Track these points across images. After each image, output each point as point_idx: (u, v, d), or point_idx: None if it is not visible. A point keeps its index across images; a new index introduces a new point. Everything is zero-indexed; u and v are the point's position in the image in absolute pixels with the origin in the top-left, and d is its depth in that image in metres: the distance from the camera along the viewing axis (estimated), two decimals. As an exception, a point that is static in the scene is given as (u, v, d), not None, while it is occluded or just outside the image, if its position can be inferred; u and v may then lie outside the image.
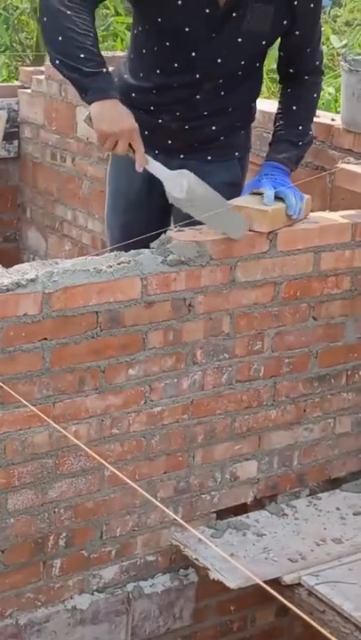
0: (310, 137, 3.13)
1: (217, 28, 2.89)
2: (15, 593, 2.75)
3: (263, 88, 3.94)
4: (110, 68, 2.80)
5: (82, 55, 2.68)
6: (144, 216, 3.18)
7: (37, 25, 10.08)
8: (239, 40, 2.91)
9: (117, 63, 4.60)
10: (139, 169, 2.75)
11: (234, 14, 2.87)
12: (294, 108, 3.08)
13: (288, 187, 2.89)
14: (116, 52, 5.87)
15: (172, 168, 2.94)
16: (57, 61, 2.74)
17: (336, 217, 3.07)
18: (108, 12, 9.41)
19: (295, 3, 2.89)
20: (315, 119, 3.55)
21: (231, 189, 3.03)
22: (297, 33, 2.97)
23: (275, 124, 3.11)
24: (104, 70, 2.71)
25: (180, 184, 2.72)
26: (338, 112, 3.74)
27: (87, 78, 2.70)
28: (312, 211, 3.08)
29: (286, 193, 2.87)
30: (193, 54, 2.93)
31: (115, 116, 2.69)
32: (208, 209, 2.70)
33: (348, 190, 3.24)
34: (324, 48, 9.43)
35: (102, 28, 9.32)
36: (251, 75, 3.06)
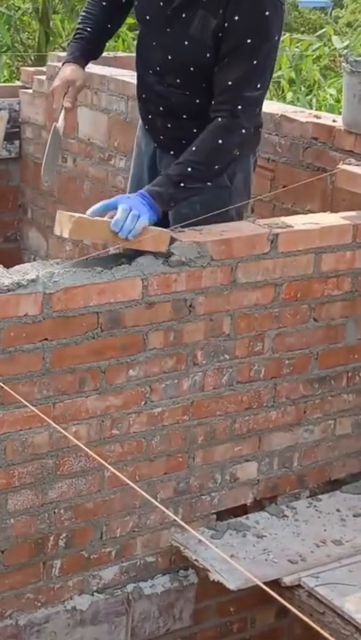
0: (202, 185, 2.84)
1: (169, 24, 2.92)
2: (15, 593, 2.75)
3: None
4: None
5: (78, 27, 3.18)
6: None
7: (39, 25, 10.09)
8: (185, 43, 2.89)
9: (119, 64, 4.62)
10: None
11: (183, 15, 2.88)
12: (194, 148, 2.82)
13: (131, 206, 2.65)
14: (117, 53, 5.88)
15: (164, 163, 3.14)
16: None
17: (337, 218, 3.07)
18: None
19: (226, 25, 2.77)
20: (317, 120, 3.57)
21: (222, 192, 3.01)
22: (225, 60, 2.81)
23: None
24: (71, 40, 3.16)
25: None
26: (340, 113, 3.74)
27: (70, 44, 3.21)
28: (313, 212, 3.08)
29: (121, 209, 2.64)
30: (153, 43, 3.00)
31: (62, 78, 3.09)
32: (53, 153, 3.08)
33: (349, 191, 3.24)
34: (325, 49, 9.35)
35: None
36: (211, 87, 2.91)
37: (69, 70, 3.10)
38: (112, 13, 3.19)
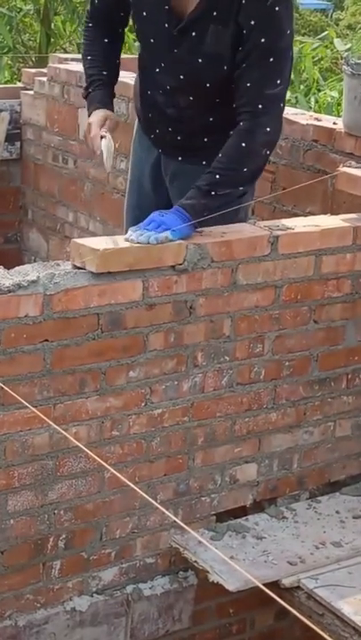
0: (234, 191, 2.85)
1: (176, 45, 2.90)
2: (14, 594, 2.75)
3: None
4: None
5: (85, 84, 3.19)
6: (153, 202, 3.20)
7: (40, 26, 10.10)
8: (200, 61, 2.88)
9: (124, 67, 4.63)
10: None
11: (193, 34, 2.87)
12: (220, 155, 2.84)
13: (161, 222, 2.69)
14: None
15: (170, 169, 3.20)
16: None
17: (337, 220, 3.07)
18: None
19: (244, 32, 2.78)
20: (318, 122, 3.57)
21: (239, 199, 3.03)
22: (243, 65, 2.81)
23: None
24: (90, 90, 3.14)
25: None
26: (340, 116, 3.74)
27: (85, 98, 3.19)
28: (313, 214, 3.08)
29: (148, 220, 2.71)
30: (162, 64, 2.98)
31: (92, 125, 3.04)
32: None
33: (349, 194, 3.24)
34: (327, 52, 9.36)
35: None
36: (230, 97, 2.90)
37: (102, 112, 3.06)
38: (116, 47, 3.19)
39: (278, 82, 2.83)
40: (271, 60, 2.80)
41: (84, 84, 3.18)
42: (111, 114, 3.07)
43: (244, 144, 2.83)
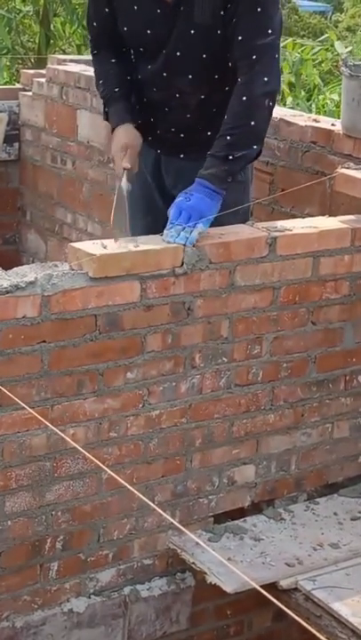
0: (249, 150, 2.86)
1: (172, 22, 2.93)
2: (12, 596, 2.75)
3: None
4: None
5: (100, 97, 3.23)
6: (156, 218, 3.19)
7: (40, 28, 10.11)
8: (192, 32, 2.92)
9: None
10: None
11: (182, 8, 2.90)
12: (226, 117, 2.86)
13: (191, 212, 2.73)
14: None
15: (172, 168, 3.20)
16: None
17: (335, 222, 3.07)
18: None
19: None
20: (316, 124, 3.57)
21: (237, 186, 3.04)
22: (233, 21, 2.85)
23: None
24: (107, 109, 3.16)
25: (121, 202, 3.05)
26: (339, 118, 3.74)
27: (105, 114, 3.21)
28: (311, 215, 3.08)
29: (176, 225, 2.73)
30: (163, 51, 2.99)
31: (112, 143, 3.15)
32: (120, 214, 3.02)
33: (347, 195, 3.24)
34: (328, 55, 9.36)
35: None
36: (225, 72, 2.95)
37: (123, 133, 3.08)
38: (124, 65, 3.16)
39: (270, 31, 2.86)
40: (259, 9, 2.83)
41: (102, 101, 3.20)
42: (131, 133, 3.07)
43: (245, 97, 2.85)
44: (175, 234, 2.71)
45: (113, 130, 3.13)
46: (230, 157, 2.82)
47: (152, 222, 3.12)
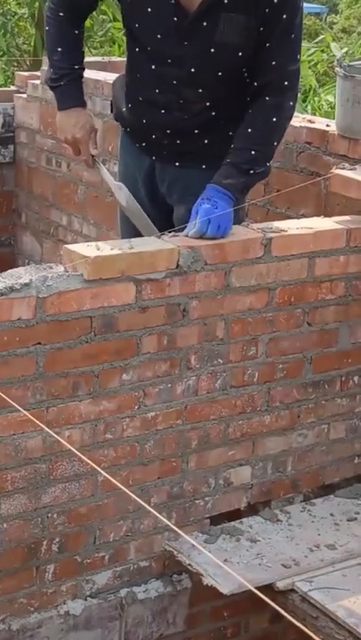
0: (265, 168, 2.95)
1: (187, 37, 2.87)
2: (8, 598, 2.74)
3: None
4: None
5: (51, 69, 3.12)
6: (150, 210, 3.19)
7: (35, 30, 10.11)
8: (212, 50, 2.86)
9: (114, 68, 4.62)
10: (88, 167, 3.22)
11: (205, 24, 2.84)
12: (249, 130, 2.90)
13: (212, 219, 2.77)
14: (111, 57, 5.87)
15: (168, 176, 3.15)
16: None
17: (331, 223, 3.07)
18: (105, 19, 9.44)
19: (266, 10, 2.79)
20: (311, 125, 3.57)
21: None
22: (267, 45, 2.85)
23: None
24: (62, 83, 3.09)
25: (121, 195, 3.11)
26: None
27: (54, 91, 3.15)
28: (306, 216, 3.08)
29: (200, 224, 2.77)
30: (168, 60, 2.93)
31: (65, 126, 3.14)
32: (138, 218, 3.13)
33: (342, 196, 3.24)
34: (324, 55, 9.35)
35: (100, 33, 9.35)
36: (238, 86, 2.95)
37: (85, 116, 3.12)
38: (82, 38, 3.18)
39: (298, 57, 2.93)
40: (292, 36, 2.87)
41: (51, 75, 3.12)
42: (88, 116, 3.15)
43: (275, 119, 2.92)
44: (201, 232, 2.79)
45: (63, 108, 3.11)
46: (251, 171, 2.89)
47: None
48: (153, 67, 2.98)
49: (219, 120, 3.00)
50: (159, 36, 2.91)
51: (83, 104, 3.15)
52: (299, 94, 9.01)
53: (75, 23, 3.12)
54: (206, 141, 3.03)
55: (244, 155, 2.88)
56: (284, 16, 2.82)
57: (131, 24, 2.99)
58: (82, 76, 3.16)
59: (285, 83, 2.91)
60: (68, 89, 3.11)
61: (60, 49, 3.10)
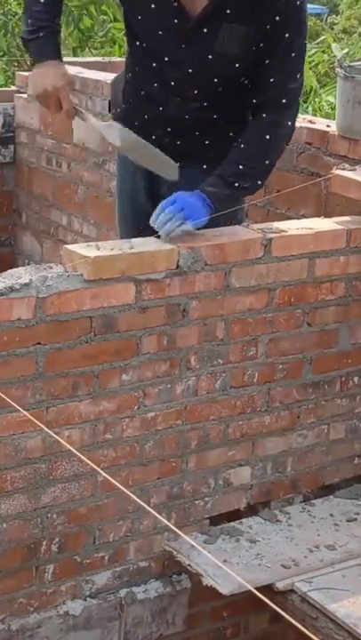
0: (254, 184, 2.90)
1: (186, 41, 2.86)
2: (7, 598, 2.74)
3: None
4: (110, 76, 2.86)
5: (29, 20, 2.94)
6: (150, 211, 3.17)
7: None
8: (210, 57, 2.85)
9: (114, 68, 4.62)
10: (68, 119, 3.04)
11: (205, 30, 2.83)
12: (242, 146, 2.88)
13: (185, 206, 2.73)
14: (112, 58, 5.87)
15: None
16: (22, 37, 3.01)
17: (331, 223, 3.07)
18: (105, 19, 9.43)
19: (268, 27, 2.78)
20: (312, 125, 3.57)
21: None
22: (267, 62, 2.83)
23: None
24: (40, 34, 2.91)
25: (113, 133, 2.91)
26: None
27: (30, 43, 2.95)
28: (307, 217, 3.08)
29: (168, 211, 2.73)
30: (166, 59, 2.92)
31: (43, 77, 2.90)
32: (143, 154, 2.92)
33: (342, 197, 3.24)
34: (325, 56, 9.33)
35: (101, 34, 9.34)
36: (237, 91, 2.93)
37: (62, 68, 2.93)
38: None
39: (298, 76, 2.90)
40: (293, 54, 2.84)
41: (29, 27, 2.94)
42: (66, 71, 2.96)
43: (268, 136, 2.88)
44: (163, 220, 2.72)
45: (41, 61, 2.92)
46: (236, 185, 2.85)
47: (138, 224, 3.11)
48: (153, 64, 2.97)
49: (218, 121, 2.99)
50: (160, 33, 2.90)
51: (60, 59, 2.96)
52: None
53: None
54: (207, 142, 3.02)
55: (232, 168, 2.86)
56: (287, 35, 2.80)
57: (132, 18, 2.97)
58: (59, 32, 3.04)
59: (284, 101, 2.87)
60: (47, 42, 2.94)
61: (42, 0, 2.94)
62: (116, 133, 2.90)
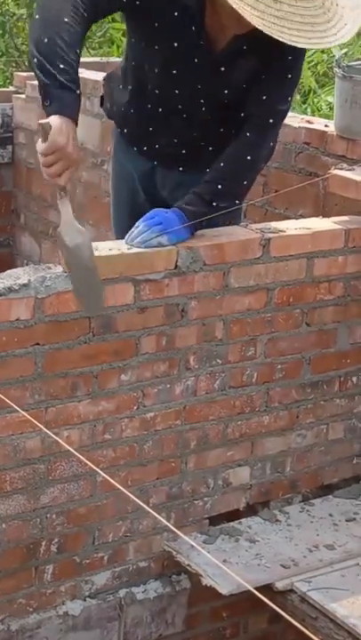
0: (231, 203, 2.83)
1: (202, 80, 2.83)
2: (7, 599, 2.74)
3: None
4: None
5: (62, 66, 2.55)
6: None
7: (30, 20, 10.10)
8: (225, 92, 2.85)
9: (112, 69, 4.62)
10: (57, 192, 2.64)
11: (222, 69, 2.81)
12: (222, 164, 2.83)
13: (163, 221, 2.69)
14: (110, 58, 5.86)
15: (170, 181, 3.10)
16: (35, 60, 2.59)
17: (329, 223, 3.07)
18: (104, 19, 9.42)
19: (275, 58, 2.72)
20: (310, 125, 3.57)
21: None
22: (262, 77, 2.79)
23: None
24: (78, 91, 2.58)
25: (75, 236, 2.53)
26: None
27: (59, 89, 2.58)
28: (305, 217, 3.07)
29: (144, 225, 2.68)
30: (177, 91, 2.87)
31: (72, 139, 2.57)
32: (80, 277, 2.55)
33: (341, 196, 3.24)
34: (323, 56, 9.32)
35: (99, 34, 9.33)
36: (242, 107, 2.88)
37: (73, 132, 2.57)
38: (85, 35, 2.78)
39: (289, 98, 2.87)
40: (289, 76, 2.81)
41: (62, 73, 2.54)
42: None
43: (249, 157, 2.84)
44: (141, 231, 2.69)
45: (63, 113, 2.56)
46: (214, 204, 2.80)
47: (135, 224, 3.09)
48: (164, 88, 2.91)
49: (224, 132, 2.94)
50: (175, 71, 2.83)
51: (75, 119, 2.63)
52: (298, 96, 9.02)
53: (86, 30, 2.70)
54: (211, 149, 2.99)
55: (210, 187, 2.82)
56: (290, 57, 2.77)
57: (149, 29, 2.79)
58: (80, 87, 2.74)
59: (270, 120, 2.84)
60: (78, 101, 2.63)
61: (78, 50, 2.63)
62: (77, 239, 2.54)
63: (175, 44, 2.78)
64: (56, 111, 2.57)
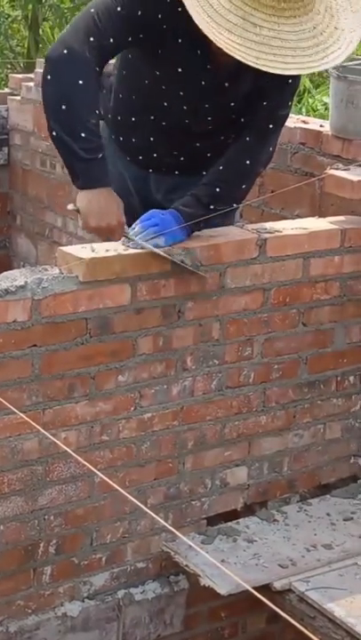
0: (228, 206, 2.82)
1: (209, 99, 2.83)
2: (5, 601, 2.74)
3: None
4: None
5: (83, 134, 2.54)
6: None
7: (29, 32, 10.10)
8: (232, 105, 2.85)
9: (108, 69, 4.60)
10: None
11: (226, 84, 2.81)
12: (221, 168, 2.83)
13: (160, 223, 2.68)
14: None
15: (165, 185, 3.09)
16: (54, 133, 2.59)
17: (325, 223, 3.07)
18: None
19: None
20: (305, 125, 3.58)
21: None
22: (267, 82, 2.74)
23: None
24: (100, 156, 2.58)
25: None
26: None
27: (82, 163, 2.59)
28: (301, 217, 3.08)
29: (141, 226, 2.67)
30: (184, 107, 2.86)
31: (103, 211, 2.63)
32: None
33: (337, 196, 3.24)
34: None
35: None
36: (245, 114, 2.89)
37: (117, 200, 2.66)
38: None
39: (289, 104, 2.87)
40: (289, 81, 2.79)
41: (85, 143, 2.56)
42: (120, 202, 2.70)
43: (248, 162, 2.84)
44: (137, 232, 2.68)
45: (100, 186, 2.62)
46: (211, 207, 2.79)
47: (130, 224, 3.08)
48: (166, 97, 2.88)
49: (224, 140, 2.94)
50: (181, 94, 2.83)
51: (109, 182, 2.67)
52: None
53: (99, 71, 2.65)
54: (210, 155, 2.98)
55: (209, 190, 2.81)
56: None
57: (153, 68, 2.81)
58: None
59: (270, 125, 2.84)
60: (104, 164, 2.62)
61: (97, 111, 2.60)
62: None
63: (179, 70, 2.78)
64: (83, 186, 2.64)
